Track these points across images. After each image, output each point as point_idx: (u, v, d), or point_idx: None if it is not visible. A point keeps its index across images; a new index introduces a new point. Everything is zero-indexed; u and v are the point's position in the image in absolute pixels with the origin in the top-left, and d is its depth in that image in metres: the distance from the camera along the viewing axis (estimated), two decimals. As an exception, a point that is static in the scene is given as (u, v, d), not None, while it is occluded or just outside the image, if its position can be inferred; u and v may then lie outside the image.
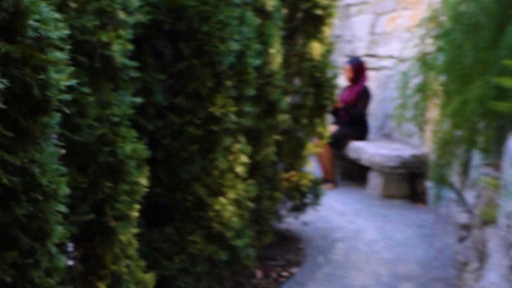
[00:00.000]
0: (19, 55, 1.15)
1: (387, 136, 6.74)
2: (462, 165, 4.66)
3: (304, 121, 4.17)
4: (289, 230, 4.47)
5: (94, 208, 1.86)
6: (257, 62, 2.88)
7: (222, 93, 2.57)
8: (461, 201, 4.84)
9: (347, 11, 8.19)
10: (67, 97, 1.33)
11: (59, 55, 1.29)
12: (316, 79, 4.09)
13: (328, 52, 4.16)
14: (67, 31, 1.34)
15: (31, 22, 1.19)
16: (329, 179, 6.41)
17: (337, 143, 6.28)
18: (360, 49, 7.67)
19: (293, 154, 4.13)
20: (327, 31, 4.13)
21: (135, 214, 2.04)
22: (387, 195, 5.91)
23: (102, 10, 1.89)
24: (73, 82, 1.38)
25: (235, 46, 2.58)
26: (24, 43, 1.17)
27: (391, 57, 6.93)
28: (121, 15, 1.95)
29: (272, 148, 3.67)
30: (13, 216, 1.25)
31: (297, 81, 4.26)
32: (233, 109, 2.59)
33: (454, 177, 5.14)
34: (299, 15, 4.05)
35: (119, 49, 1.90)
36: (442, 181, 5.48)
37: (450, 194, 5.15)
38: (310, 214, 4.49)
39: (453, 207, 4.94)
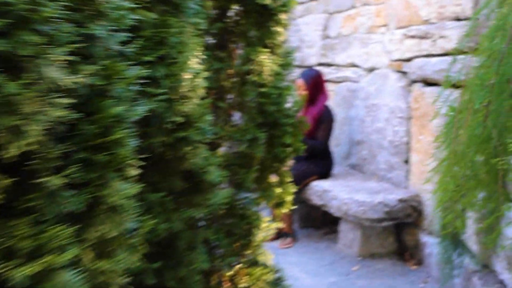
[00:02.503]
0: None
1: (355, 168, 5.17)
2: (486, 218, 3.25)
3: (251, 183, 2.52)
4: None
5: None
6: (142, 108, 1.20)
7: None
8: (490, 274, 3.32)
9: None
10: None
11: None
12: (269, 114, 2.44)
13: (285, 67, 2.52)
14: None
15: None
16: (285, 233, 4.78)
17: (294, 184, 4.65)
18: (311, 57, 6.10)
19: (237, 241, 2.46)
20: (281, 34, 2.50)
21: None
22: (368, 255, 4.33)
23: None
24: None
25: (74, 76, 0.89)
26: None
27: (353, 65, 5.39)
28: None
29: (200, 250, 2.00)
30: None
31: (238, 118, 2.62)
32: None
33: (471, 234, 3.61)
34: (234, 7, 2.39)
35: None
36: (453, 241, 3.94)
37: (465, 259, 3.64)
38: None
39: (476, 282, 3.39)
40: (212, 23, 2.36)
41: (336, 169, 5.08)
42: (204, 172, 1.93)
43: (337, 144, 5.44)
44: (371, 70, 5.06)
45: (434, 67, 4.13)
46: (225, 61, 2.40)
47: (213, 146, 2.40)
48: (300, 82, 4.83)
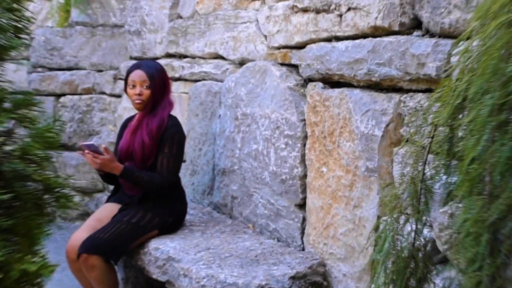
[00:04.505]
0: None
1: (221, 209, 3.45)
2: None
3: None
4: None
5: None
6: None
7: None
8: None
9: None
10: None
11: None
12: None
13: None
14: None
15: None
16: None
17: (118, 246, 2.85)
18: (156, 46, 4.32)
19: None
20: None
21: None
22: None
23: None
24: None
25: None
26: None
27: (215, 56, 3.69)
28: None
29: None
30: None
31: None
32: None
33: None
34: None
35: None
36: None
37: None
38: None
39: None
40: None
41: (191, 212, 3.35)
42: None
43: (193, 173, 3.70)
44: (241, 63, 3.39)
45: (342, 56, 2.52)
46: None
47: None
48: (141, 75, 3.01)
